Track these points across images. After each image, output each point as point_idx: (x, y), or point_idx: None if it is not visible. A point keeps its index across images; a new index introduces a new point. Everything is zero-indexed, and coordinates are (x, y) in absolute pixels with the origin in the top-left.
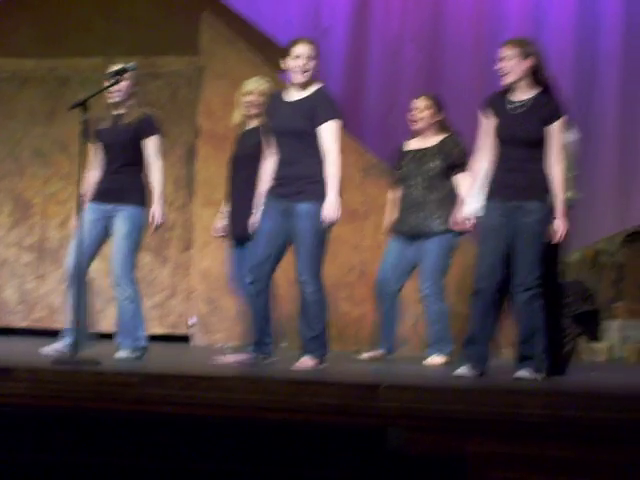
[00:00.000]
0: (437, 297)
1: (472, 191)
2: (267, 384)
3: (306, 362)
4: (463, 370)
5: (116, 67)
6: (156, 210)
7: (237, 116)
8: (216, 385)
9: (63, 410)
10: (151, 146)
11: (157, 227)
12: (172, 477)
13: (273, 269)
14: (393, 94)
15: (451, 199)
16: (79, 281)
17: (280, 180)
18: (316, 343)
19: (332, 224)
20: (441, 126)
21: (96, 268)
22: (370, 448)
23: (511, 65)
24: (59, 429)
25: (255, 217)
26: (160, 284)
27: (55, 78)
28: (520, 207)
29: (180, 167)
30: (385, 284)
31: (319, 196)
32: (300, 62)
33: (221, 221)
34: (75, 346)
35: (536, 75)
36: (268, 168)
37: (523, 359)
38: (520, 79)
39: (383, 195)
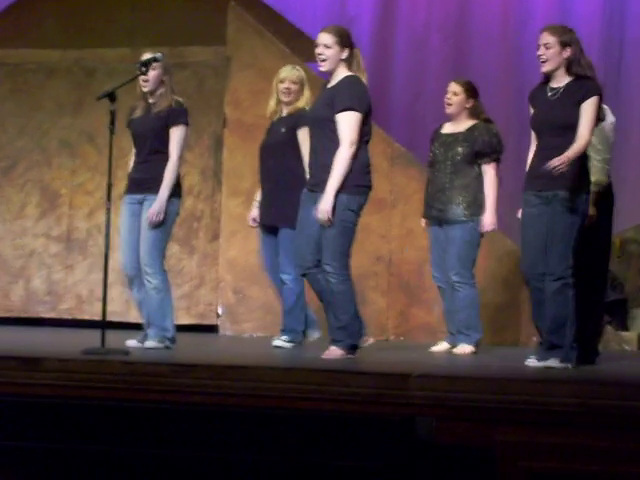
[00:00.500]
0: (465, 284)
1: None
2: (297, 373)
3: (334, 352)
4: (531, 360)
5: (147, 56)
6: (155, 204)
7: (272, 104)
8: (246, 375)
9: (93, 400)
10: (173, 136)
11: (152, 224)
12: (202, 466)
13: (315, 257)
14: (419, 83)
15: (475, 186)
16: (140, 281)
17: (310, 170)
18: (343, 333)
19: (326, 222)
20: (473, 112)
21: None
22: (400, 437)
23: (551, 53)
24: (89, 419)
25: None
26: (188, 274)
27: (81, 69)
28: (555, 196)
29: (208, 157)
30: (439, 276)
31: (341, 187)
32: (318, 50)
33: (255, 210)
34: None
35: (574, 63)
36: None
37: (552, 348)
38: (559, 67)
39: (410, 184)
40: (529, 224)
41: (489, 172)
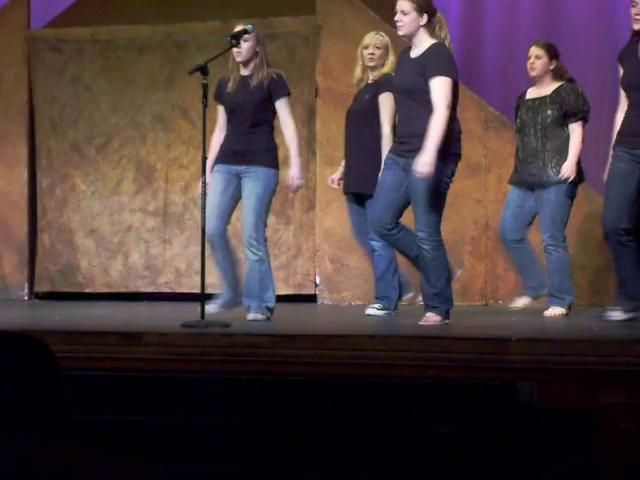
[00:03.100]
0: (557, 246)
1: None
2: (397, 341)
3: (431, 318)
4: (613, 313)
5: (238, 28)
6: (294, 172)
7: (358, 72)
8: (345, 343)
9: (194, 373)
10: (284, 107)
11: (297, 189)
12: (305, 435)
13: (394, 220)
14: (511, 45)
15: (567, 147)
16: (223, 245)
17: (399, 139)
18: (439, 299)
19: (426, 179)
20: (557, 73)
21: None
22: (501, 402)
23: None
24: (190, 392)
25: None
26: (285, 244)
27: (172, 43)
28: None
29: (301, 127)
30: (504, 233)
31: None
32: (396, 17)
33: (338, 174)
34: (228, 306)
35: None
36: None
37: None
38: None
39: (505, 148)
40: (617, 179)
41: (576, 130)
